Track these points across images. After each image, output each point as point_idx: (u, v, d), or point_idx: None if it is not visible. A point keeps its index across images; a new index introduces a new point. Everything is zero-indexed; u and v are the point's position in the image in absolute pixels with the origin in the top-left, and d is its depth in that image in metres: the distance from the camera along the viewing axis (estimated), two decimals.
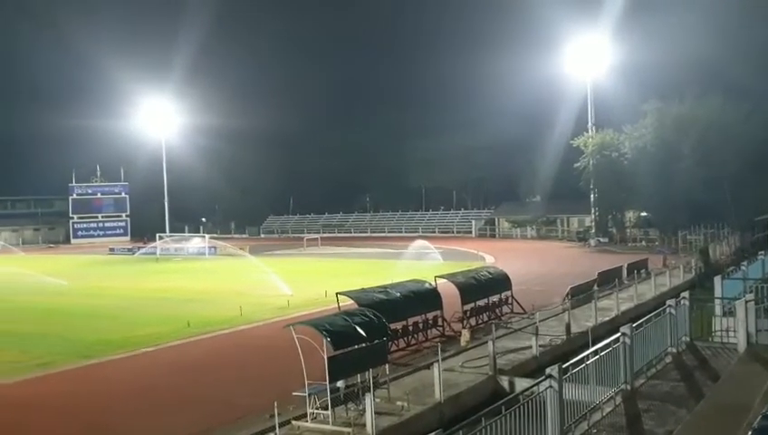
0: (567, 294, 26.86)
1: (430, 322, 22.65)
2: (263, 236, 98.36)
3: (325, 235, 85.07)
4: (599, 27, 61.94)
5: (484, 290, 25.54)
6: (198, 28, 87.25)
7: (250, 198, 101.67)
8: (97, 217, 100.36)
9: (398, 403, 15.06)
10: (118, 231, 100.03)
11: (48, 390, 19.21)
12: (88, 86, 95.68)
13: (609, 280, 29.55)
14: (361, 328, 15.63)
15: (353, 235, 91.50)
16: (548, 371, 10.85)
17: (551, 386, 10.65)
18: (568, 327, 21.90)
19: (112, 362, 22.21)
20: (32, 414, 16.88)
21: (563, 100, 68.46)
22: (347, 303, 21.43)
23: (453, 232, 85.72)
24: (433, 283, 23.93)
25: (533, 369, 18.45)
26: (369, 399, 13.57)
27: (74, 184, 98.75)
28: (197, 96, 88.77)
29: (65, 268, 55.55)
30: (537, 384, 10.83)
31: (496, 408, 9.36)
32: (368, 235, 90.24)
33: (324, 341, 14.77)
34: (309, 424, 14.19)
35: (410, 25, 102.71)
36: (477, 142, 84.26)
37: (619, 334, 13.94)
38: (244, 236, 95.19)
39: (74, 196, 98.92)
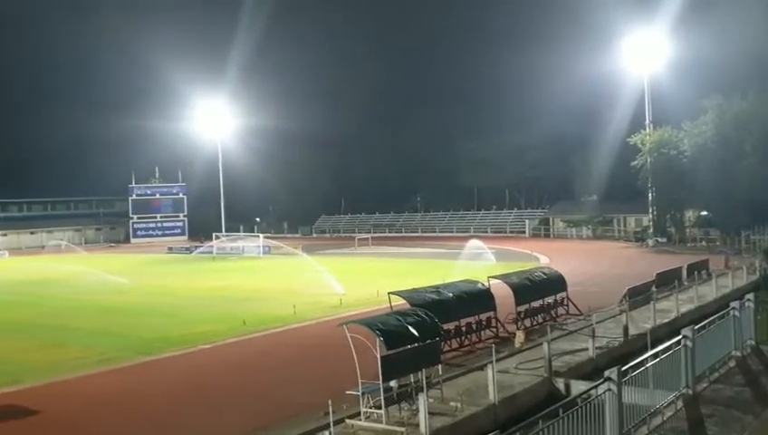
0: (624, 296, 26.26)
1: (483, 323, 22.43)
2: (315, 235, 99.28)
3: (376, 234, 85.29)
4: (656, 22, 60.38)
5: (538, 291, 25.18)
6: (253, 30, 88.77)
7: (303, 199, 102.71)
8: (156, 218, 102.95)
9: (452, 404, 14.97)
10: (176, 231, 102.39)
11: (109, 385, 19.77)
12: (147, 89, 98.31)
13: (668, 281, 28.74)
14: (414, 328, 15.60)
15: (404, 235, 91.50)
16: (607, 373, 10.61)
17: (609, 389, 10.42)
18: (626, 329, 21.40)
19: (170, 359, 22.72)
20: (95, 409, 17.40)
21: (619, 96, 66.95)
22: (399, 302, 21.42)
23: (506, 232, 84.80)
24: (486, 283, 23.71)
25: (590, 371, 18.09)
26: (422, 399, 13.52)
27: (134, 185, 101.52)
28: (252, 98, 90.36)
29: (126, 267, 57.16)
30: (595, 387, 10.61)
31: (554, 410, 9.21)
32: (418, 235, 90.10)
33: (377, 340, 14.79)
34: (362, 423, 14.22)
35: (462, 23, 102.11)
36: (531, 140, 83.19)
37: (680, 337, 13.55)
38: (296, 235, 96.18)
39: (134, 196, 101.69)
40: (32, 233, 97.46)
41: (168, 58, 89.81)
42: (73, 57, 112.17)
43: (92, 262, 63.36)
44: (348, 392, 14.90)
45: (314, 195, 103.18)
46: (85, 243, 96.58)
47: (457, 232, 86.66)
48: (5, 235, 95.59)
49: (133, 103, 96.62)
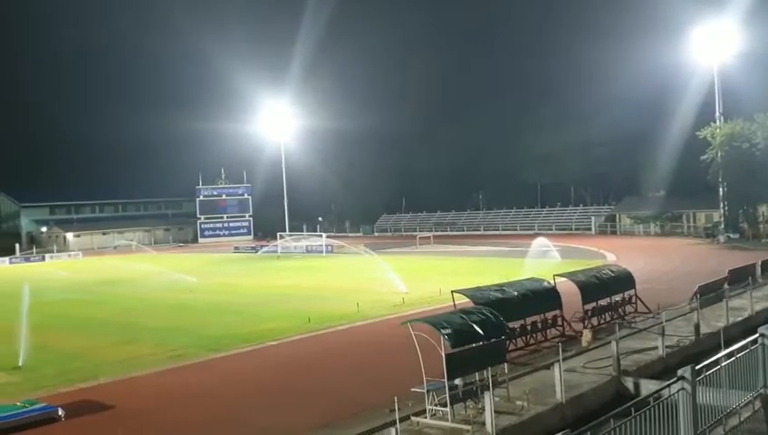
0: (695, 293, 25.40)
1: (549, 321, 22.12)
2: (376, 234, 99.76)
3: (438, 233, 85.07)
4: (726, 11, 58.20)
5: (605, 289, 24.66)
6: (315, 31, 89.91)
7: (364, 198, 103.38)
8: (222, 218, 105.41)
9: (518, 403, 14.82)
10: (241, 230, 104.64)
11: (180, 381, 20.36)
12: (214, 92, 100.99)
13: (741, 278, 27.69)
14: (479, 326, 15.51)
15: (466, 233, 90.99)
16: (680, 372, 10.32)
17: (683, 388, 10.13)
18: (697, 327, 20.74)
19: (238, 356, 23.24)
20: (166, 404, 17.96)
21: (686, 89, 64.80)
22: (462, 301, 21.31)
23: (571, 229, 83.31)
24: (552, 281, 23.37)
25: (660, 371, 17.63)
26: (488, 397, 13.44)
27: (201, 186, 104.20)
28: (314, 99, 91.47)
29: (194, 266, 58.76)
30: (668, 386, 10.33)
31: (625, 409, 9.02)
32: (481, 233, 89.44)
33: (441, 338, 14.77)
34: (428, 420, 14.23)
35: (523, 17, 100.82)
36: (596, 136, 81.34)
37: (756, 335, 13.05)
38: (358, 234, 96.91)
39: (201, 197, 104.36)
40: (104, 234, 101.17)
41: (234, 61, 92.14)
42: (143, 60, 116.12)
43: (162, 261, 65.35)
44: (413, 390, 14.93)
45: (375, 194, 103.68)
46: (155, 243, 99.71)
47: (521, 230, 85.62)
48: (79, 235, 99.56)
49: (200, 106, 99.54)
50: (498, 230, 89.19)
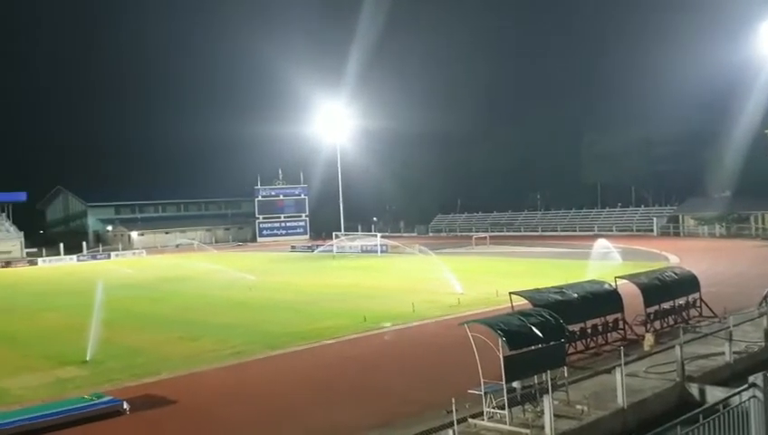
0: (764, 298, 24.49)
1: (610, 324, 21.64)
2: (431, 234, 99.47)
3: (494, 233, 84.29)
4: None
5: (669, 292, 23.96)
6: (371, 33, 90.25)
7: (418, 198, 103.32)
8: (280, 218, 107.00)
9: (578, 407, 14.56)
10: (298, 230, 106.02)
11: (240, 377, 20.74)
12: (271, 95, 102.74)
13: None
14: (538, 328, 15.30)
15: (523, 234, 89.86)
16: (751, 379, 9.94)
17: (754, 396, 9.75)
18: (767, 333, 19.98)
19: (296, 353, 23.52)
20: (227, 400, 18.29)
21: (754, 85, 62.47)
22: (520, 303, 21.05)
23: (632, 230, 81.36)
24: (612, 284, 22.87)
25: (727, 377, 17.08)
26: (547, 400, 13.25)
27: (259, 187, 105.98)
28: (369, 99, 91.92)
29: (253, 265, 59.79)
30: (738, 394, 9.97)
31: (692, 416, 8.74)
32: (538, 234, 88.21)
33: (499, 340, 14.62)
34: (485, 423, 14.12)
35: (583, 15, 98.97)
36: (658, 134, 79.37)
37: None
38: (412, 234, 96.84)
39: (259, 197, 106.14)
40: (166, 232, 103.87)
41: (292, 64, 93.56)
42: (204, 64, 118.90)
43: (222, 260, 66.72)
44: (470, 391, 14.82)
45: (430, 194, 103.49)
46: (215, 242, 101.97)
47: (580, 231, 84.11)
48: (143, 234, 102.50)
49: (259, 109, 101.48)
50: (556, 231, 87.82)
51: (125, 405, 17.00)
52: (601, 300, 21.63)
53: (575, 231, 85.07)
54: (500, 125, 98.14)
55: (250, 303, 36.58)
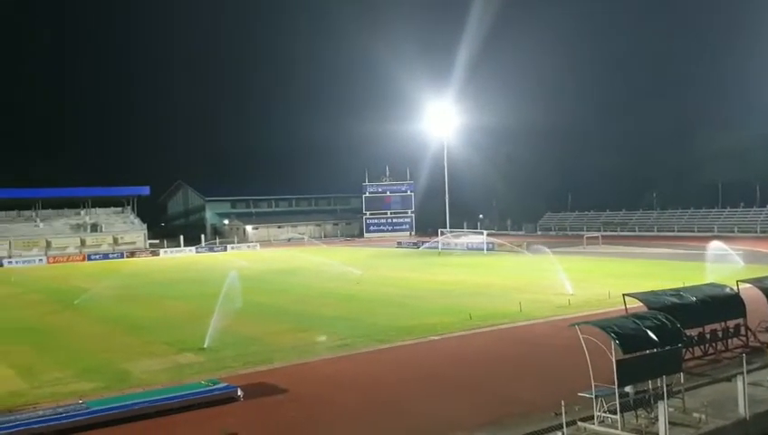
0: None
1: (731, 330, 20.52)
2: (539, 233, 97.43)
3: (606, 233, 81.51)
4: None
5: None
6: (480, 30, 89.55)
7: (526, 195, 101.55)
8: (386, 214, 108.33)
9: (695, 415, 13.95)
10: (404, 226, 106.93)
11: (349, 369, 21.20)
12: (380, 94, 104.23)
13: None
14: (653, 332, 14.76)
15: (637, 234, 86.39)
16: None
17: None
18: None
19: (402, 348, 23.77)
20: (335, 390, 18.78)
21: None
22: (634, 305, 20.32)
23: (756, 232, 76.46)
24: (734, 287, 21.63)
25: None
26: (662, 407, 12.79)
27: (367, 183, 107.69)
28: (476, 95, 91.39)
29: (360, 259, 60.89)
30: None
31: None
32: (654, 234, 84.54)
33: (612, 343, 14.21)
34: (596, 427, 13.77)
35: (699, 8, 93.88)
36: None
37: None
38: (520, 233, 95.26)
39: (367, 194, 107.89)
40: (279, 227, 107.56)
41: (399, 63, 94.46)
42: (316, 66, 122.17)
43: (331, 254, 68.32)
44: (580, 394, 14.51)
45: (538, 191, 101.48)
46: (324, 237, 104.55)
47: (698, 232, 79.93)
48: (257, 228, 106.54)
49: (368, 107, 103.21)
50: (673, 232, 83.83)
51: (239, 392, 17.73)
52: (722, 304, 20.53)
53: (693, 232, 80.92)
54: (613, 119, 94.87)
55: (357, 296, 37.29)
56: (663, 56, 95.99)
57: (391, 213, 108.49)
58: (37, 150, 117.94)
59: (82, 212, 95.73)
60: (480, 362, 21.42)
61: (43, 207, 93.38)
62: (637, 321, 15.21)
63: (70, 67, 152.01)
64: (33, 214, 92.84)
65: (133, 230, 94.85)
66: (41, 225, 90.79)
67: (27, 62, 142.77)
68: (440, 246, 70.99)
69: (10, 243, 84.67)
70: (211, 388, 17.94)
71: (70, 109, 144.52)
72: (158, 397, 17.31)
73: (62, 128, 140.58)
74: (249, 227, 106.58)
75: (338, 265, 52.98)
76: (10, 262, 78.25)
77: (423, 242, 77.03)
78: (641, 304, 19.68)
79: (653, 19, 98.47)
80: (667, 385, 14.30)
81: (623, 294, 20.96)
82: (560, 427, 12.68)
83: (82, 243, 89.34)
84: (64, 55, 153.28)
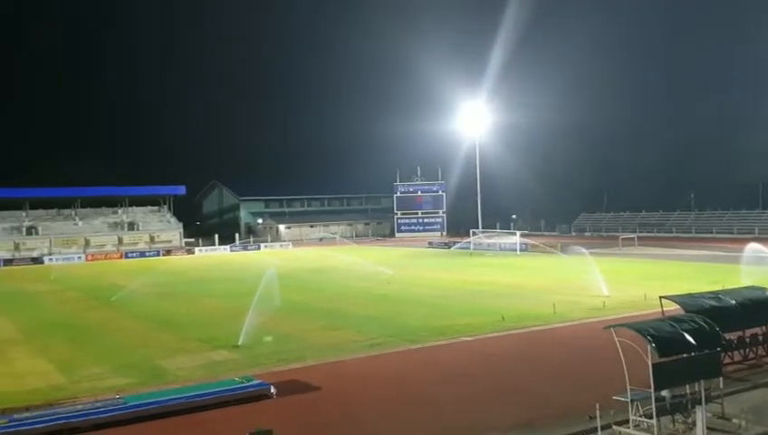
0: None
1: None
2: (573, 234, 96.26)
3: (642, 234, 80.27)
4: None
5: None
6: (514, 29, 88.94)
7: (560, 195, 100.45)
8: (417, 214, 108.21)
9: (734, 421, 13.66)
10: (435, 226, 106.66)
11: (380, 368, 21.23)
12: (411, 93, 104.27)
13: None
14: (690, 335, 14.47)
15: (674, 235, 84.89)
16: None
17: None
18: None
19: (434, 348, 23.71)
20: (366, 389, 18.84)
21: None
22: (671, 308, 19.96)
23: None
24: None
25: None
26: (700, 412, 12.55)
27: (398, 183, 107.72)
28: (509, 94, 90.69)
29: (391, 259, 60.90)
30: None
31: None
32: (691, 235, 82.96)
33: (648, 346, 13.97)
34: (631, 431, 13.57)
35: (741, 7, 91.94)
36: None
37: None
38: (554, 233, 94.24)
39: (398, 194, 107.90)
40: (311, 226, 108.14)
41: (432, 62, 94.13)
42: (348, 65, 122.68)
43: (362, 253, 68.46)
44: (615, 398, 14.29)
45: (573, 191, 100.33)
46: (355, 236, 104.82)
47: (738, 233, 78.19)
48: (290, 227, 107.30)
49: (399, 107, 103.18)
50: (712, 233, 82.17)
51: (272, 389, 17.86)
52: (762, 308, 20.02)
53: (733, 233, 79.22)
54: (650, 118, 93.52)
55: (388, 296, 37.30)
56: (702, 54, 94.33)
57: (422, 213, 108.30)
58: (77, 151, 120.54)
59: (120, 211, 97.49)
60: (513, 364, 21.27)
61: (82, 206, 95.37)
62: (674, 324, 14.93)
63: (112, 69, 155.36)
64: (73, 212, 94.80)
65: (169, 229, 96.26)
66: (80, 223, 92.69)
67: (68, 64, 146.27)
68: (472, 246, 70.63)
69: (50, 240, 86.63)
70: (245, 385, 18.11)
71: (111, 110, 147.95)
72: (193, 393, 17.53)
73: (101, 128, 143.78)
74: (282, 227, 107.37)
75: (369, 264, 53.06)
76: (50, 259, 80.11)
77: (454, 242, 76.72)
78: (678, 306, 19.32)
79: (693, 17, 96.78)
80: (706, 390, 14.03)
81: (660, 297, 20.61)
82: (594, 430, 12.53)
83: (120, 241, 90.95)
84: (107, 57, 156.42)
